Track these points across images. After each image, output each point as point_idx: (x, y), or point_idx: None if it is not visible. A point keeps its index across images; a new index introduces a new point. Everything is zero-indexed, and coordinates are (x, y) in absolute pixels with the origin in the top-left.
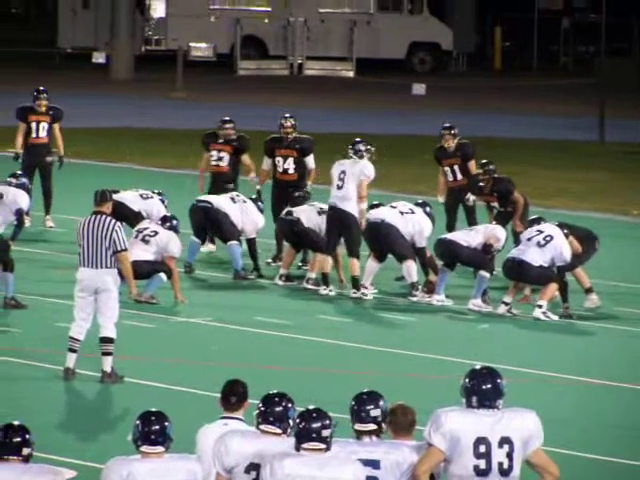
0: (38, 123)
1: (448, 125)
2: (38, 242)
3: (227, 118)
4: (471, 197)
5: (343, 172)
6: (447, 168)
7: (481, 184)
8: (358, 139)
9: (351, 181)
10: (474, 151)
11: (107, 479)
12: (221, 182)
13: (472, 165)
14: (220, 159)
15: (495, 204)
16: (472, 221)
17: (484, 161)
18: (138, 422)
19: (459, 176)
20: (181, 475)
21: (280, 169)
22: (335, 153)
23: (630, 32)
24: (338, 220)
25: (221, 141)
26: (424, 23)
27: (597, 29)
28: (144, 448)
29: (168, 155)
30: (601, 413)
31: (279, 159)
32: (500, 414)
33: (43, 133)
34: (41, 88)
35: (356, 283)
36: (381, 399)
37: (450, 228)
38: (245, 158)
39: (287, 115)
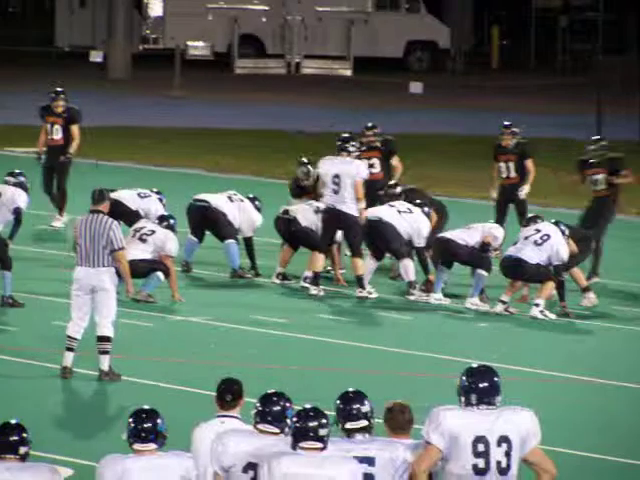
0: (53, 125)
1: (508, 123)
2: (36, 241)
3: (370, 124)
4: (525, 190)
5: (337, 176)
6: (502, 164)
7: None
8: (346, 135)
9: (347, 184)
10: (532, 150)
11: (102, 477)
12: (374, 189)
13: (529, 164)
14: (371, 166)
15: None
16: (523, 214)
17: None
18: (130, 420)
19: (513, 174)
20: (175, 471)
21: None
22: (331, 151)
23: (628, 30)
24: (337, 222)
25: (364, 148)
26: (421, 21)
27: (595, 27)
28: (136, 446)
29: (166, 154)
30: (598, 412)
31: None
32: (498, 412)
33: (57, 135)
34: (59, 89)
35: (361, 282)
36: (366, 396)
37: (500, 225)
38: (394, 161)
39: (304, 161)
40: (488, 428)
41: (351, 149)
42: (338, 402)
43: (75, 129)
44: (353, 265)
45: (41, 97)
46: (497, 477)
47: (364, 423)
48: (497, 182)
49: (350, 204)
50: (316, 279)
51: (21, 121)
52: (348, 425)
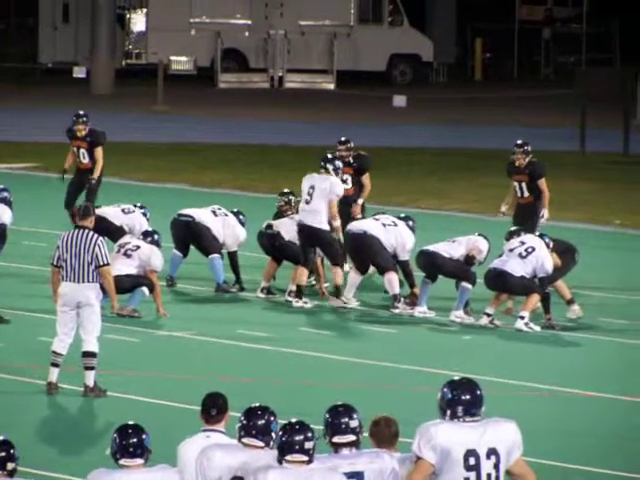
0: (78, 149)
1: (520, 142)
2: (21, 257)
3: (343, 138)
4: (545, 215)
5: (312, 187)
6: (516, 184)
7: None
8: (330, 155)
9: (320, 197)
10: (544, 170)
11: None
12: (345, 205)
13: (542, 183)
14: (344, 181)
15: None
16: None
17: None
18: (115, 435)
19: (526, 193)
20: None
21: None
22: (315, 165)
23: (611, 42)
24: (308, 237)
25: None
26: (404, 35)
27: (578, 39)
28: (123, 461)
29: (150, 169)
30: (583, 423)
31: None
32: (484, 425)
33: (85, 159)
34: (81, 112)
35: (338, 292)
36: (355, 410)
37: None
38: (364, 178)
39: (285, 191)
40: (477, 441)
41: (329, 167)
42: (327, 415)
43: (98, 152)
44: (332, 274)
45: (25, 114)
46: None
47: (352, 438)
48: (512, 199)
49: (319, 217)
50: (300, 292)
51: (5, 138)
52: (336, 439)
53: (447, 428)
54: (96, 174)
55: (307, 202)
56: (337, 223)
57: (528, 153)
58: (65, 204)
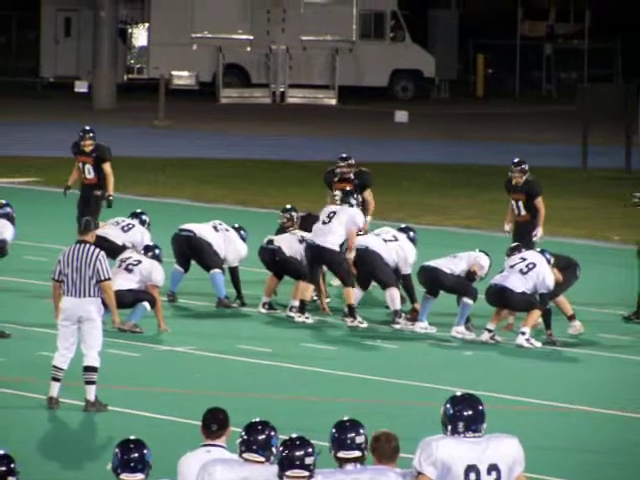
0: (84, 164)
1: (517, 161)
2: (22, 272)
3: (344, 155)
4: (539, 234)
5: (334, 212)
6: (513, 202)
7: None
8: (348, 188)
9: (340, 222)
10: (540, 189)
11: None
12: None
13: (538, 202)
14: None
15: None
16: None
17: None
18: (117, 450)
19: (523, 212)
20: None
21: None
22: (317, 181)
23: (613, 58)
24: (317, 256)
25: (337, 179)
26: (406, 50)
27: (580, 55)
28: (124, 476)
29: (151, 184)
30: (583, 440)
31: None
32: (486, 441)
33: (90, 175)
34: (87, 128)
35: (352, 311)
36: (362, 426)
37: None
38: (366, 195)
39: (287, 207)
40: (478, 457)
41: (352, 201)
42: (333, 429)
43: (107, 167)
44: (345, 295)
45: (26, 128)
46: None
47: (357, 454)
48: (512, 217)
49: (333, 239)
50: (303, 307)
51: (6, 152)
52: (341, 454)
53: (448, 443)
54: (110, 190)
55: (324, 222)
56: (352, 255)
57: (525, 172)
58: (77, 221)
